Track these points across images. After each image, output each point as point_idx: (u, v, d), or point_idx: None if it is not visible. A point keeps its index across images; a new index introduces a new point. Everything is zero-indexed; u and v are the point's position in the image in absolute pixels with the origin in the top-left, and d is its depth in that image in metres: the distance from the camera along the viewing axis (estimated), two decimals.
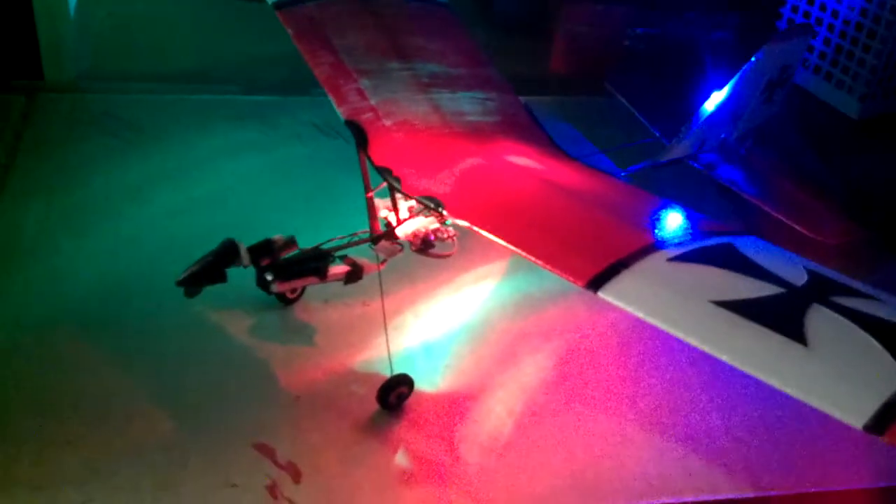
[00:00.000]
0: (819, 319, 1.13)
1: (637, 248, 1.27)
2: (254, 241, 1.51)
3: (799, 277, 1.23)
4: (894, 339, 1.10)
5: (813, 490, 1.51)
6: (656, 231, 1.35)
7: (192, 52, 2.55)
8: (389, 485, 1.42)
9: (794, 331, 1.11)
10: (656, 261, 1.25)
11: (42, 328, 1.61)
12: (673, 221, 1.40)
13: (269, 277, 1.51)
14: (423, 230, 1.59)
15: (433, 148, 1.57)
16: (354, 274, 1.59)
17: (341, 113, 1.55)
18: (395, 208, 1.57)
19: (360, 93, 1.61)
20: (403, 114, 1.62)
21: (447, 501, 1.41)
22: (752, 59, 1.76)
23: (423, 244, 1.60)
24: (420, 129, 1.61)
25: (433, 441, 1.50)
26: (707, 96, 1.79)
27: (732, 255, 1.29)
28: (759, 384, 1.07)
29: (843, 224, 1.93)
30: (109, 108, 2.24)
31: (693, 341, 1.11)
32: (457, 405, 1.57)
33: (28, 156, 2.04)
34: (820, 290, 1.21)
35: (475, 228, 1.36)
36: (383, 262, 1.60)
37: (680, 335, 1.12)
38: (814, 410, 1.03)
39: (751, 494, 1.50)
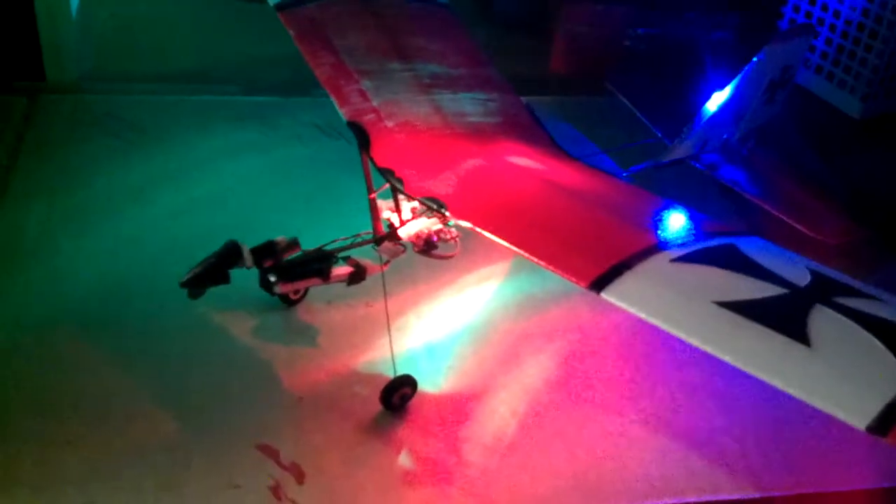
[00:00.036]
0: (822, 320, 1.14)
1: (640, 248, 1.27)
2: (256, 241, 1.52)
3: (801, 278, 1.23)
4: None
5: (815, 490, 1.51)
6: (659, 232, 1.35)
7: (194, 53, 2.55)
8: (393, 485, 1.43)
9: (797, 331, 1.11)
10: (659, 262, 1.25)
11: (43, 328, 1.61)
12: (675, 222, 1.40)
13: (273, 279, 1.51)
14: (426, 231, 1.60)
15: (435, 149, 1.57)
16: (357, 275, 1.60)
17: (344, 114, 1.55)
18: (397, 209, 1.57)
19: (362, 94, 1.61)
20: (405, 115, 1.62)
21: (450, 502, 1.41)
22: (754, 59, 1.76)
23: (426, 245, 1.60)
24: (422, 130, 1.61)
25: (436, 442, 1.50)
26: (709, 96, 1.79)
27: (735, 255, 1.29)
28: (761, 385, 1.07)
29: (844, 224, 1.93)
30: (111, 109, 2.24)
31: (696, 342, 1.12)
32: (460, 406, 1.57)
33: (30, 157, 2.04)
34: (822, 291, 1.21)
35: (478, 229, 1.36)
36: (386, 263, 1.61)
37: (683, 336, 1.13)
38: (816, 411, 1.03)
39: (753, 495, 1.50)
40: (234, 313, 1.68)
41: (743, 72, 1.76)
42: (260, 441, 1.46)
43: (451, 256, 1.65)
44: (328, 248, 1.58)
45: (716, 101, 1.78)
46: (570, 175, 1.60)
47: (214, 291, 1.47)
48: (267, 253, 1.51)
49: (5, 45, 2.22)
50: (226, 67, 2.49)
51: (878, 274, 1.86)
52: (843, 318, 1.14)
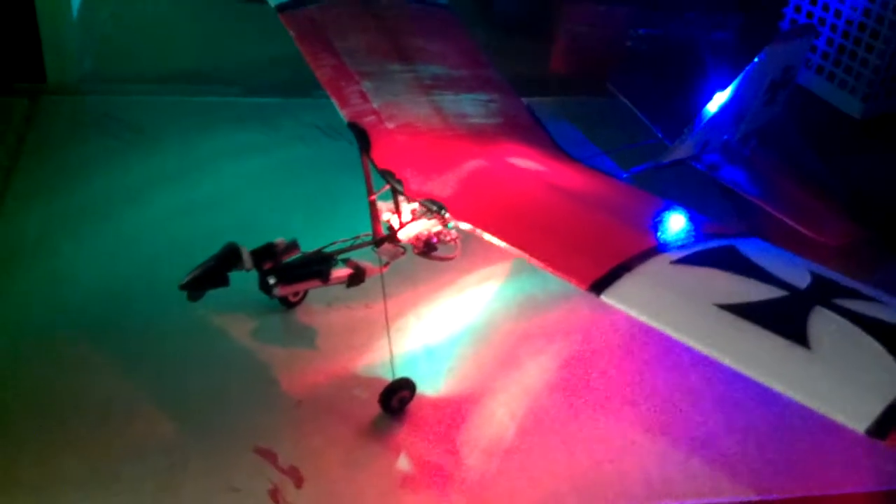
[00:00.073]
0: (822, 322, 1.13)
1: (640, 250, 1.27)
2: (255, 242, 1.52)
3: (802, 280, 1.23)
4: None
5: (816, 493, 1.51)
6: (659, 233, 1.35)
7: (194, 54, 2.54)
8: (391, 489, 1.42)
9: (797, 334, 1.11)
10: (659, 264, 1.25)
11: (43, 330, 1.61)
12: (676, 224, 1.40)
13: (272, 281, 1.51)
14: (426, 233, 1.59)
15: (435, 150, 1.57)
16: (357, 277, 1.59)
17: (344, 116, 1.55)
18: (397, 211, 1.56)
19: (363, 95, 1.60)
20: (406, 116, 1.62)
21: None
22: (755, 59, 1.76)
23: (426, 247, 1.60)
24: (422, 132, 1.61)
25: (435, 445, 1.50)
26: (709, 97, 1.79)
27: (735, 257, 1.29)
28: (761, 387, 1.07)
29: (845, 225, 1.93)
30: (112, 110, 2.24)
31: (696, 345, 1.11)
32: (459, 409, 1.56)
33: (31, 158, 2.04)
34: (823, 293, 1.21)
35: (478, 231, 1.36)
36: (386, 265, 1.60)
37: (683, 339, 1.12)
38: (816, 413, 1.03)
39: (753, 497, 1.49)
40: (234, 315, 1.68)
41: (744, 72, 1.76)
42: (258, 444, 1.46)
43: (451, 258, 1.65)
44: (328, 250, 1.58)
45: (717, 102, 1.78)
46: (570, 176, 1.60)
47: (214, 294, 1.47)
48: (266, 255, 1.51)
49: (6, 46, 2.22)
50: (226, 68, 2.49)
51: (879, 275, 1.85)
52: (843, 321, 1.14)
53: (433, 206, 1.44)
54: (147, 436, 1.45)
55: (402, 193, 1.49)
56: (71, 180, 1.98)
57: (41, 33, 2.22)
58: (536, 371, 1.66)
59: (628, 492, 1.47)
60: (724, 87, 1.77)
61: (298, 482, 1.41)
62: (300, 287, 1.59)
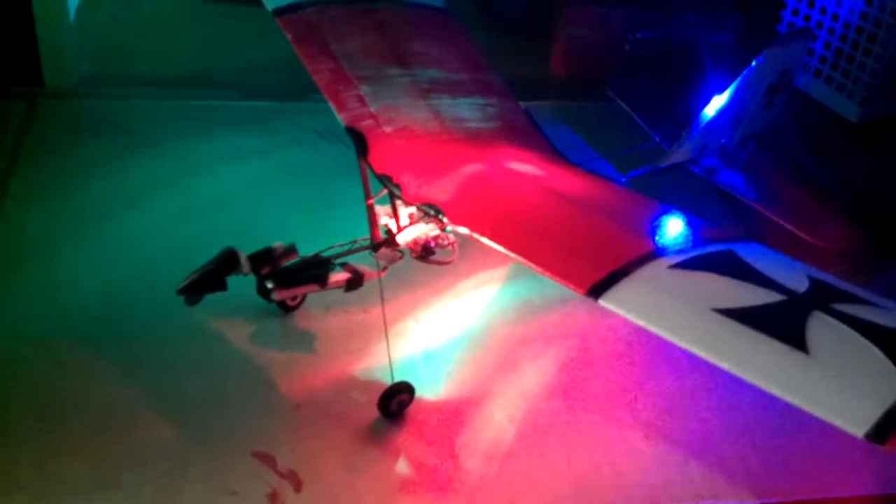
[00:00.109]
0: (820, 327, 1.13)
1: (638, 255, 1.27)
2: (253, 246, 1.51)
3: (800, 284, 1.23)
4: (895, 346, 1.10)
5: (814, 497, 1.51)
6: (657, 238, 1.35)
7: (191, 58, 2.54)
8: (390, 493, 1.42)
9: (795, 338, 1.11)
10: (657, 268, 1.25)
11: (42, 334, 1.61)
12: (674, 228, 1.40)
13: (270, 285, 1.50)
14: (424, 237, 1.59)
15: (433, 154, 1.57)
16: (355, 281, 1.59)
17: (341, 119, 1.55)
18: (395, 215, 1.56)
19: (360, 99, 1.60)
20: (403, 120, 1.62)
21: None
22: (753, 63, 1.76)
23: (424, 251, 1.60)
24: (420, 136, 1.61)
25: (434, 449, 1.50)
26: (707, 101, 1.79)
27: (733, 262, 1.29)
28: (760, 391, 1.07)
29: (843, 228, 1.93)
30: (109, 113, 2.24)
31: (694, 349, 1.11)
32: (458, 412, 1.56)
33: (29, 161, 2.04)
34: (821, 297, 1.21)
35: (475, 235, 1.36)
36: (384, 269, 1.60)
37: (681, 343, 1.12)
38: (815, 417, 1.03)
39: (752, 501, 1.49)
40: (232, 320, 1.67)
41: (742, 76, 1.76)
42: (257, 448, 1.46)
43: (448, 262, 1.64)
44: (326, 254, 1.58)
45: (714, 106, 1.78)
46: (568, 181, 1.60)
47: (212, 298, 1.47)
48: (264, 259, 1.51)
49: (3, 50, 2.22)
50: (224, 72, 2.49)
51: (877, 278, 1.86)
52: (842, 325, 1.14)
53: (431, 211, 1.44)
54: (146, 440, 1.45)
55: (399, 197, 1.49)
56: (68, 184, 1.98)
57: (38, 37, 2.22)
58: (535, 375, 1.66)
59: (627, 495, 1.47)
60: (721, 91, 1.77)
61: (297, 486, 1.41)
62: (298, 291, 1.59)
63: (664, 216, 1.44)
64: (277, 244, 1.53)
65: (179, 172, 2.06)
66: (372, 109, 1.60)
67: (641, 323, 1.16)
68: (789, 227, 1.78)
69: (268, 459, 1.44)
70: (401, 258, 1.61)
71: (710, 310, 1.15)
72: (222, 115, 2.30)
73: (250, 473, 1.42)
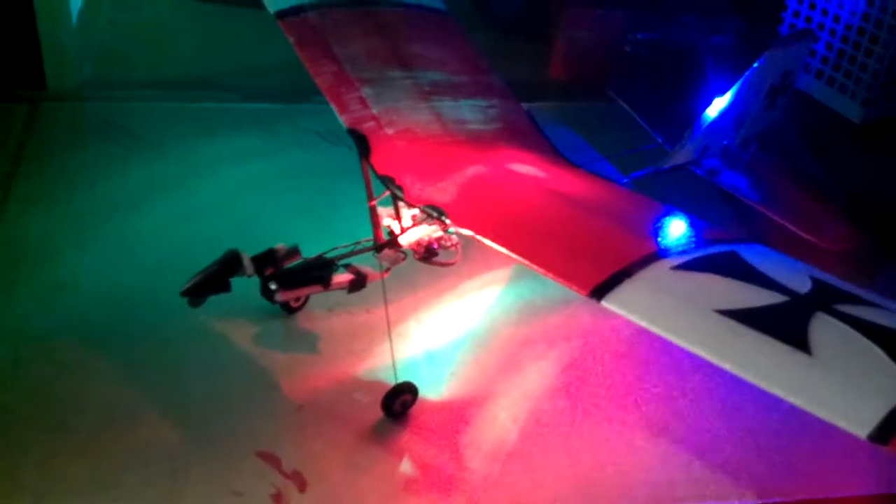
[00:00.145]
0: (822, 328, 1.13)
1: (640, 256, 1.27)
2: (256, 248, 1.52)
3: (802, 285, 1.23)
4: None
5: (817, 496, 1.51)
6: (659, 239, 1.35)
7: (193, 60, 2.55)
8: (394, 493, 1.43)
9: (798, 339, 1.11)
10: (659, 269, 1.25)
11: (45, 336, 1.61)
12: (676, 229, 1.40)
13: (273, 287, 1.51)
14: (427, 238, 1.60)
15: (435, 156, 1.57)
16: (358, 282, 1.60)
17: (344, 122, 1.55)
18: (398, 217, 1.57)
19: (362, 101, 1.61)
20: (405, 122, 1.62)
21: None
22: (755, 64, 1.76)
23: (427, 252, 1.61)
24: (422, 138, 1.61)
25: (437, 449, 1.50)
26: (709, 102, 1.79)
27: (736, 263, 1.29)
28: (763, 391, 1.07)
29: (846, 229, 1.93)
30: (111, 116, 2.24)
31: (696, 350, 1.11)
32: (461, 413, 1.57)
33: (31, 164, 2.04)
34: (824, 298, 1.21)
35: (478, 237, 1.36)
36: (387, 270, 1.61)
37: (683, 344, 1.13)
38: (818, 418, 1.03)
39: (755, 500, 1.50)
40: (235, 321, 1.68)
41: (743, 77, 1.77)
42: (261, 449, 1.46)
43: (451, 263, 1.65)
44: (329, 255, 1.58)
45: (717, 107, 1.78)
46: (570, 182, 1.60)
47: (215, 300, 1.47)
48: (267, 261, 1.51)
49: (6, 53, 2.22)
50: (225, 74, 2.49)
51: (879, 279, 1.86)
52: (844, 326, 1.14)
53: (433, 212, 1.44)
54: (149, 441, 1.46)
55: (402, 199, 1.49)
56: (71, 186, 1.98)
57: (41, 40, 2.23)
58: (538, 375, 1.66)
59: (631, 494, 1.48)
60: (723, 92, 1.78)
61: (301, 486, 1.41)
62: (301, 293, 1.59)
63: (666, 217, 1.44)
64: (280, 246, 1.53)
65: (181, 174, 2.06)
66: (374, 111, 1.60)
67: (644, 324, 1.16)
68: (791, 228, 1.78)
69: (272, 460, 1.45)
70: (403, 259, 1.61)
71: (713, 311, 1.15)
72: (224, 118, 2.31)
73: (254, 474, 1.42)
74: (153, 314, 1.66)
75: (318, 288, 1.56)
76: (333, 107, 1.57)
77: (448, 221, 1.42)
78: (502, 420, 1.57)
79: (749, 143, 1.96)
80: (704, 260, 1.29)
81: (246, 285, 1.52)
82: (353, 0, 1.76)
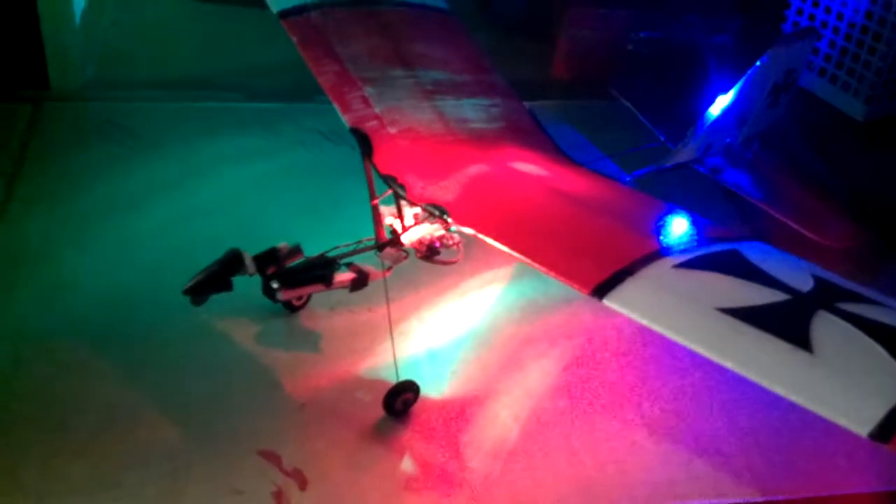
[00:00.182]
0: (824, 326, 1.13)
1: (642, 255, 1.27)
2: (258, 247, 1.52)
3: (805, 283, 1.23)
4: None
5: (819, 494, 1.51)
6: (662, 237, 1.35)
7: (196, 60, 2.55)
8: (395, 491, 1.43)
9: (800, 338, 1.10)
10: (661, 268, 1.25)
11: (46, 335, 1.61)
12: (678, 228, 1.40)
13: (275, 285, 1.51)
14: (429, 237, 1.60)
15: (438, 155, 1.57)
16: (360, 281, 1.60)
17: (346, 121, 1.55)
18: (400, 216, 1.57)
19: (365, 100, 1.61)
20: (408, 121, 1.62)
21: None
22: (758, 63, 1.76)
23: (429, 251, 1.61)
24: (424, 137, 1.61)
25: (439, 447, 1.50)
26: (712, 100, 1.79)
27: (738, 261, 1.29)
28: (764, 389, 1.06)
29: (849, 227, 1.93)
30: (114, 116, 2.25)
31: (698, 349, 1.11)
32: (462, 411, 1.57)
33: (34, 164, 2.04)
34: (826, 297, 1.20)
35: (480, 236, 1.36)
36: (389, 269, 1.61)
37: (685, 343, 1.12)
38: (819, 416, 1.03)
39: (757, 499, 1.49)
40: (237, 320, 1.68)
41: (746, 75, 1.76)
42: (262, 447, 1.46)
43: (453, 262, 1.65)
44: (330, 254, 1.58)
45: (719, 105, 1.78)
46: (573, 180, 1.60)
47: (217, 298, 1.47)
48: (269, 260, 1.51)
49: (10, 53, 2.23)
50: (228, 74, 2.50)
51: (882, 277, 1.86)
52: (846, 324, 1.14)
53: (436, 211, 1.44)
54: (150, 440, 1.46)
55: (404, 198, 1.49)
56: (74, 186, 1.99)
57: (44, 40, 2.23)
58: (539, 374, 1.66)
59: (632, 493, 1.48)
60: (726, 91, 1.77)
61: (303, 484, 1.41)
62: (303, 291, 1.59)
63: (669, 215, 1.44)
64: (282, 245, 1.53)
65: (184, 174, 2.07)
66: (376, 111, 1.60)
67: (646, 322, 1.16)
68: (794, 226, 1.78)
69: (273, 458, 1.45)
70: (406, 258, 1.61)
71: (715, 309, 1.15)
72: (227, 117, 2.31)
73: (255, 473, 1.42)
74: (154, 314, 1.67)
75: (320, 287, 1.56)
76: (336, 106, 1.57)
77: (450, 220, 1.42)
78: (503, 418, 1.57)
79: (752, 142, 1.96)
80: (706, 258, 1.29)
81: (248, 284, 1.52)
82: None
